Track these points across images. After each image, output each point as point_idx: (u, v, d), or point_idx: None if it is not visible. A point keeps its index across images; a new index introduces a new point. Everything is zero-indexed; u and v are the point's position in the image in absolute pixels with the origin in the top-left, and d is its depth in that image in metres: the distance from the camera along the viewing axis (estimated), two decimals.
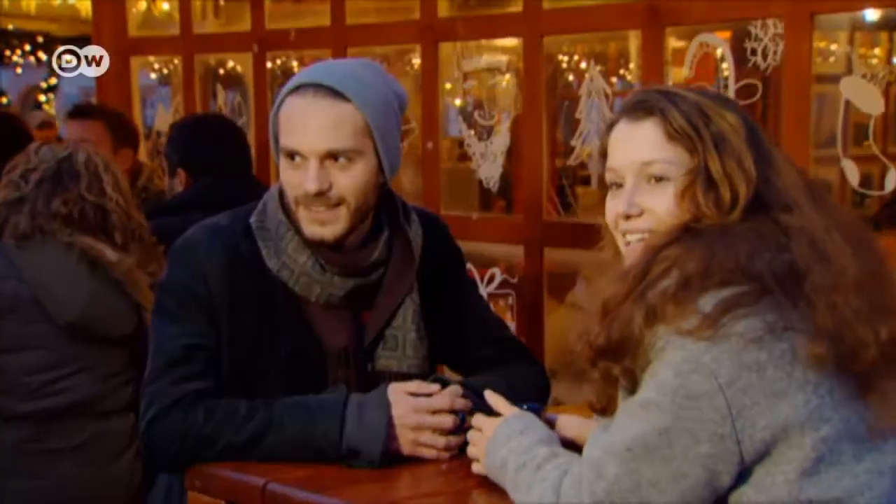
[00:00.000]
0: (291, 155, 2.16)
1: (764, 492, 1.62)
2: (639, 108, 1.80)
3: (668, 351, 1.62)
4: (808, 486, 1.61)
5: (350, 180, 2.16)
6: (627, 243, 1.81)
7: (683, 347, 1.61)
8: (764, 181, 1.73)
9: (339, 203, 2.17)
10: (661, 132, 1.76)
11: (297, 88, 2.17)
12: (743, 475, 1.63)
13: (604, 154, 1.86)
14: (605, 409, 1.79)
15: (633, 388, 1.68)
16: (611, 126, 1.85)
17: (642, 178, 1.78)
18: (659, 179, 1.76)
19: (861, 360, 1.64)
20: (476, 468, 1.97)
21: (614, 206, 1.82)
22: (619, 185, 1.81)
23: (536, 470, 1.75)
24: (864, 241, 1.75)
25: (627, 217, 1.79)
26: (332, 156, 2.15)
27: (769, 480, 1.62)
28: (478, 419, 2.01)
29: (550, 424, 2.01)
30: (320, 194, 2.15)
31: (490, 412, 2.01)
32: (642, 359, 1.66)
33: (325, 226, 2.18)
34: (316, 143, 2.14)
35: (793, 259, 1.65)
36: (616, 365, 1.69)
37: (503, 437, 1.87)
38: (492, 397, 2.03)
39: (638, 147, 1.79)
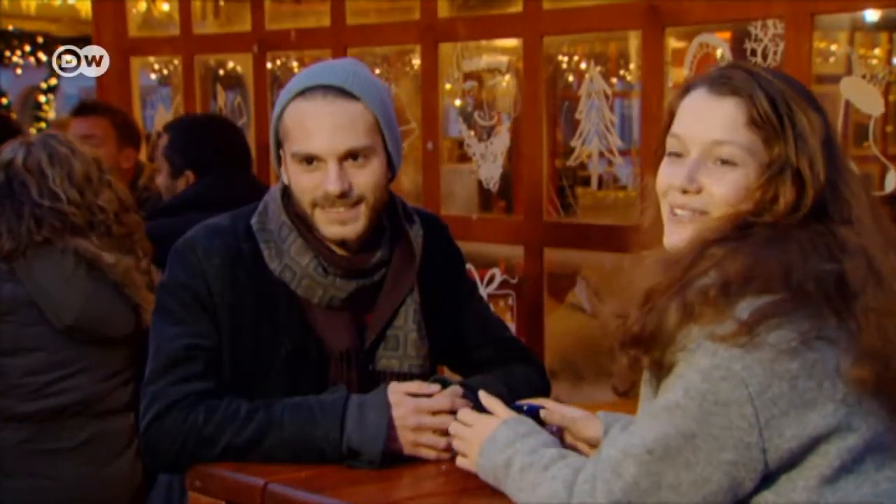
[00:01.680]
0: (308, 159, 2.16)
1: (783, 497, 1.61)
2: (723, 84, 1.72)
3: (699, 355, 1.60)
4: (827, 493, 1.60)
5: (368, 178, 2.17)
6: (674, 215, 1.75)
7: (715, 353, 1.59)
8: (831, 189, 1.68)
9: (358, 201, 2.17)
10: (742, 115, 1.69)
11: (302, 92, 2.16)
12: (765, 480, 1.62)
13: (670, 116, 1.78)
14: (626, 392, 1.77)
15: (657, 380, 1.66)
16: (686, 90, 1.77)
17: (709, 157, 1.71)
18: (726, 162, 1.70)
19: None
20: (462, 463, 1.96)
21: (671, 175, 1.75)
22: (680, 155, 1.74)
23: (544, 469, 1.74)
24: None
25: (684, 191, 1.73)
26: (351, 155, 2.15)
27: (790, 486, 1.61)
28: (464, 413, 2.00)
29: (542, 423, 1.99)
30: (343, 195, 2.15)
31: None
32: (671, 355, 1.63)
33: (346, 225, 2.18)
34: (334, 144, 2.14)
35: (842, 273, 1.62)
36: (646, 355, 1.67)
37: (505, 438, 1.85)
38: (486, 399, 2.02)
39: (713, 124, 1.71)
